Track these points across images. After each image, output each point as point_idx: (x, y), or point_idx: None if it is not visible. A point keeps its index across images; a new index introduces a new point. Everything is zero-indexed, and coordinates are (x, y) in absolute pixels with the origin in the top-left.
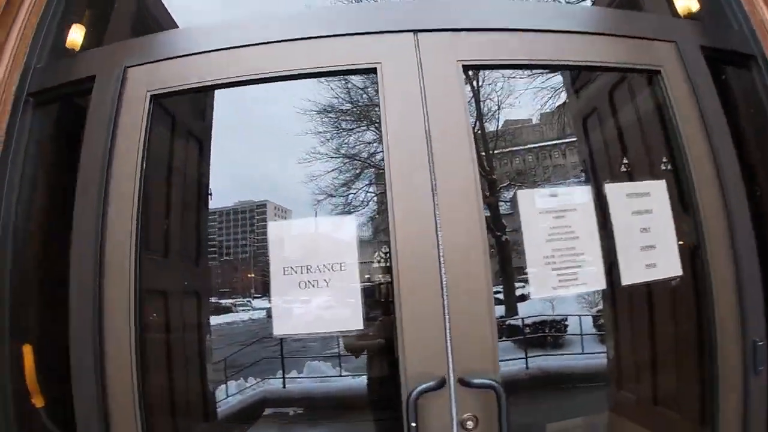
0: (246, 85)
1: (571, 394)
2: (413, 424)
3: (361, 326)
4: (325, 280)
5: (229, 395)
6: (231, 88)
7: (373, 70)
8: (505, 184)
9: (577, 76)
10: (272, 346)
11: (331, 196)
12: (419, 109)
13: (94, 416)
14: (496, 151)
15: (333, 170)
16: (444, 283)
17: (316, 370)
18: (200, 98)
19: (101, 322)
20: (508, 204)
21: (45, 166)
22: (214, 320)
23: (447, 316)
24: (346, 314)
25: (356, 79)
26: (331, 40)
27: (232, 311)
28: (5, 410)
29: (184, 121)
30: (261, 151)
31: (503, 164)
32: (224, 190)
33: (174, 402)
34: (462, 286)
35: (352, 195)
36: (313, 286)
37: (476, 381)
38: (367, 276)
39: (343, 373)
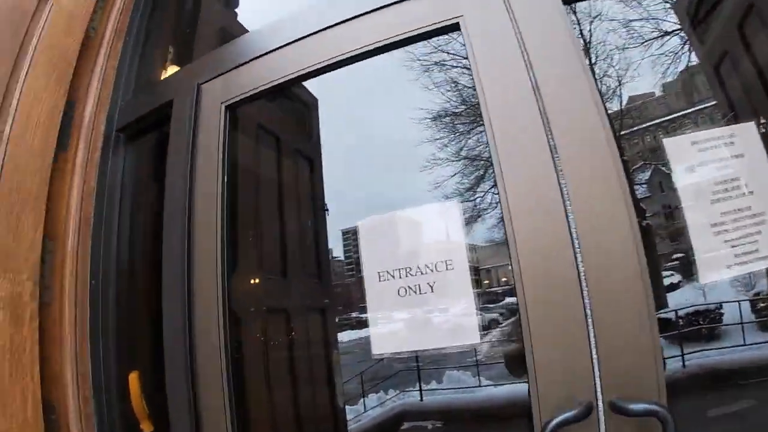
0: (318, 74)
1: (739, 391)
2: None
3: (477, 340)
4: (429, 284)
5: (367, 409)
6: (309, 82)
7: (456, 27)
8: (638, 165)
9: (694, 13)
10: (410, 358)
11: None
12: (519, 62)
13: None
14: (622, 132)
15: (456, 174)
16: (583, 280)
17: (456, 380)
18: (304, 117)
19: (192, 344)
20: (645, 186)
21: (143, 196)
22: (356, 335)
23: (591, 323)
24: (457, 325)
25: (465, 79)
26: (403, 5)
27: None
28: None
29: (290, 141)
30: (382, 167)
31: (633, 144)
32: (356, 209)
33: (298, 422)
34: (608, 282)
35: (479, 198)
36: (415, 292)
37: (635, 407)
38: (504, 279)
39: (483, 383)
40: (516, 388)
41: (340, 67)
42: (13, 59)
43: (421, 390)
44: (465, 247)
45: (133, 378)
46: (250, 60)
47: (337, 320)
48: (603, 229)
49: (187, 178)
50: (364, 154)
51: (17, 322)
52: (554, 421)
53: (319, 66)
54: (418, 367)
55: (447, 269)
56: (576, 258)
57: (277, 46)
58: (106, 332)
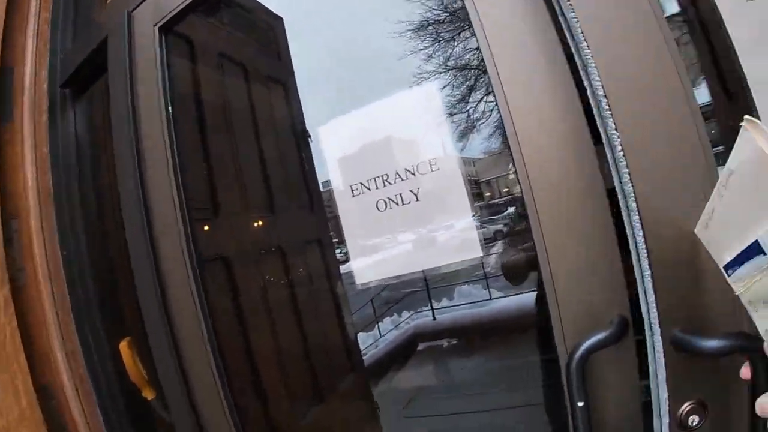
0: None
1: None
2: (580, 404)
3: (479, 252)
4: (412, 191)
5: (383, 333)
6: None
7: None
8: None
9: None
10: (418, 278)
11: (451, 114)
12: None
13: (179, 395)
14: None
15: (446, 86)
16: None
17: (466, 294)
18: (269, 40)
19: (165, 298)
20: None
21: (102, 151)
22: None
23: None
24: (454, 237)
25: None
26: None
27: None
28: (116, 408)
29: (257, 67)
30: (367, 85)
31: None
32: (385, 158)
33: (309, 359)
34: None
35: (472, 108)
36: (397, 203)
37: (711, 344)
38: (506, 189)
39: (494, 295)
40: (528, 298)
41: None
42: None
43: (432, 309)
44: (451, 141)
45: (124, 346)
46: None
47: (339, 250)
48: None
49: (130, 114)
50: (345, 73)
51: None
52: (583, 347)
53: None
54: (427, 285)
55: (432, 170)
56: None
57: None
58: (89, 303)
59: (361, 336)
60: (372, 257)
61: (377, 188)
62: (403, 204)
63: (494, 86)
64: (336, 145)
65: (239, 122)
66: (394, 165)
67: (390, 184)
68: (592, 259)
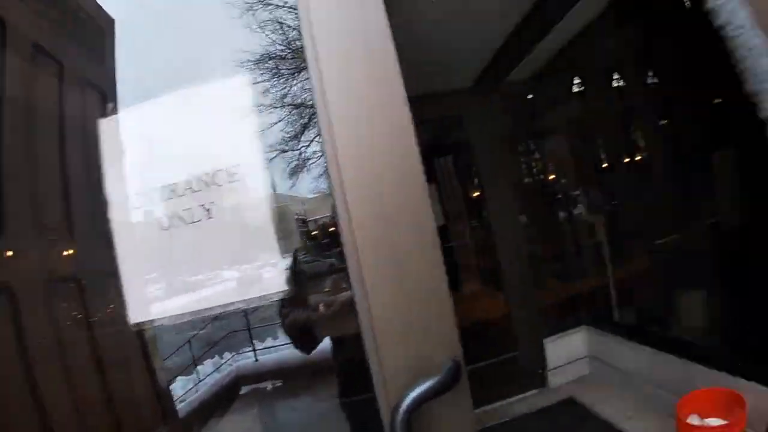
0: None
1: None
2: None
3: (284, 287)
4: (204, 206)
5: (203, 377)
6: None
7: None
8: None
9: None
10: (238, 315)
11: (284, 151)
12: None
13: None
14: None
15: (279, 121)
16: None
17: None
18: (96, 42)
19: None
20: None
21: None
22: (183, 298)
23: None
24: (255, 268)
25: (291, 19)
26: None
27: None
28: None
29: (76, 68)
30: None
31: None
32: (174, 164)
33: (113, 415)
34: None
35: (304, 147)
36: (184, 221)
37: None
38: (332, 229)
39: None
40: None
41: None
42: None
43: (254, 350)
44: (259, 147)
45: None
46: None
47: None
48: None
49: None
50: (170, 99)
51: None
52: (410, 398)
53: None
54: (248, 325)
55: (231, 181)
56: None
57: None
58: None
59: (179, 381)
60: (151, 291)
61: (162, 201)
62: (191, 222)
63: (320, 120)
64: (116, 146)
65: (42, 126)
66: (184, 172)
67: (178, 195)
68: (420, 300)
